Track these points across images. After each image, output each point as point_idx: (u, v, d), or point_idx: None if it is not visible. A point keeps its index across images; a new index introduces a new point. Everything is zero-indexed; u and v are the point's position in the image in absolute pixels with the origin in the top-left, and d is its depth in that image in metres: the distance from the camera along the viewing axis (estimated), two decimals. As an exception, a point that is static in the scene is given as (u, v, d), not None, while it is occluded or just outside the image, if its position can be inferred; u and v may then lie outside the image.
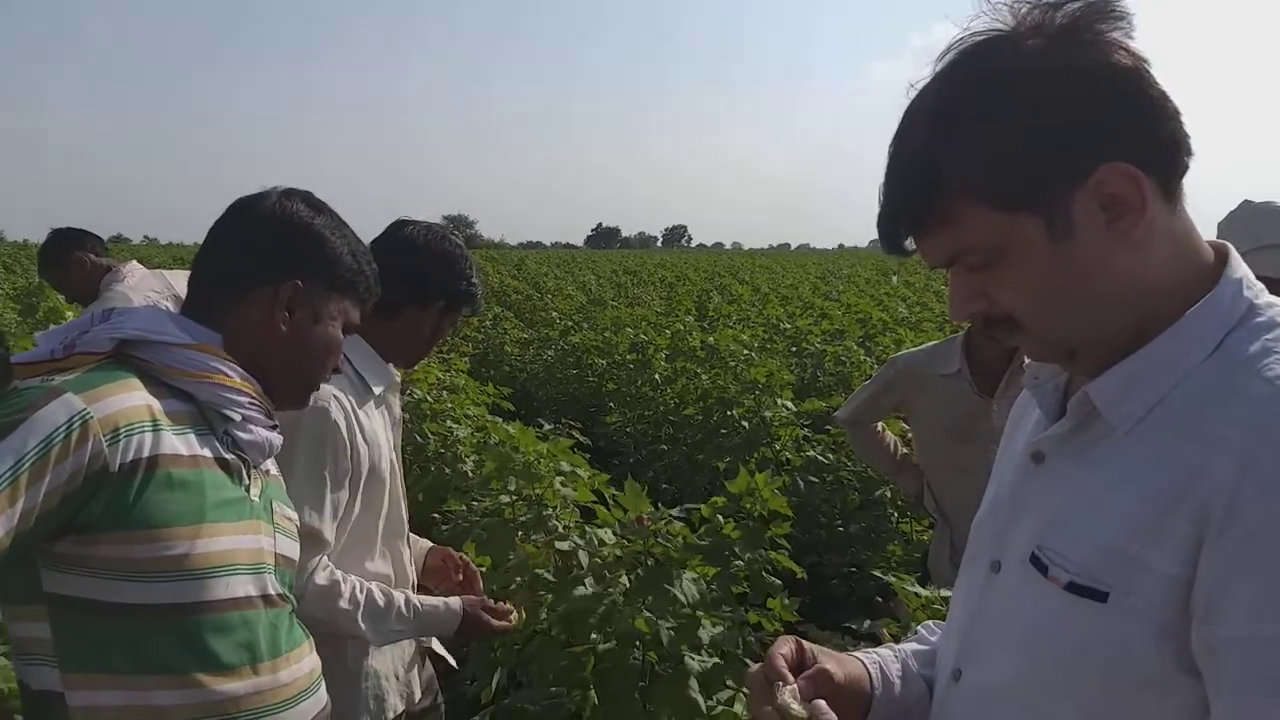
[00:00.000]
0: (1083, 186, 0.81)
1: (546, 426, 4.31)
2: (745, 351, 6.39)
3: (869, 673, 1.03)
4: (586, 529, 2.62)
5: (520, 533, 2.67)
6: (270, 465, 1.30)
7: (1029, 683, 0.86)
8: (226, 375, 1.19)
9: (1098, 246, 0.82)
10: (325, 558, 1.69)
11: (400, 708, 1.88)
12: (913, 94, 0.87)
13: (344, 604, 1.68)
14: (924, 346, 2.81)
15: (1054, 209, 0.81)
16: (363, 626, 1.71)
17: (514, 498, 2.83)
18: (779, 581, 2.44)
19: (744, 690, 2.23)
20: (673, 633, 2.12)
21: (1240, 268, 0.86)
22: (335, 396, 1.71)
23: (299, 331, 1.28)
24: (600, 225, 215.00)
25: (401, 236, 1.88)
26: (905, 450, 2.94)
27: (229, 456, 1.19)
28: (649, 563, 2.34)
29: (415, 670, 1.96)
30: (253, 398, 1.22)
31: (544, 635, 2.42)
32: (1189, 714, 0.77)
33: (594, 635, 2.28)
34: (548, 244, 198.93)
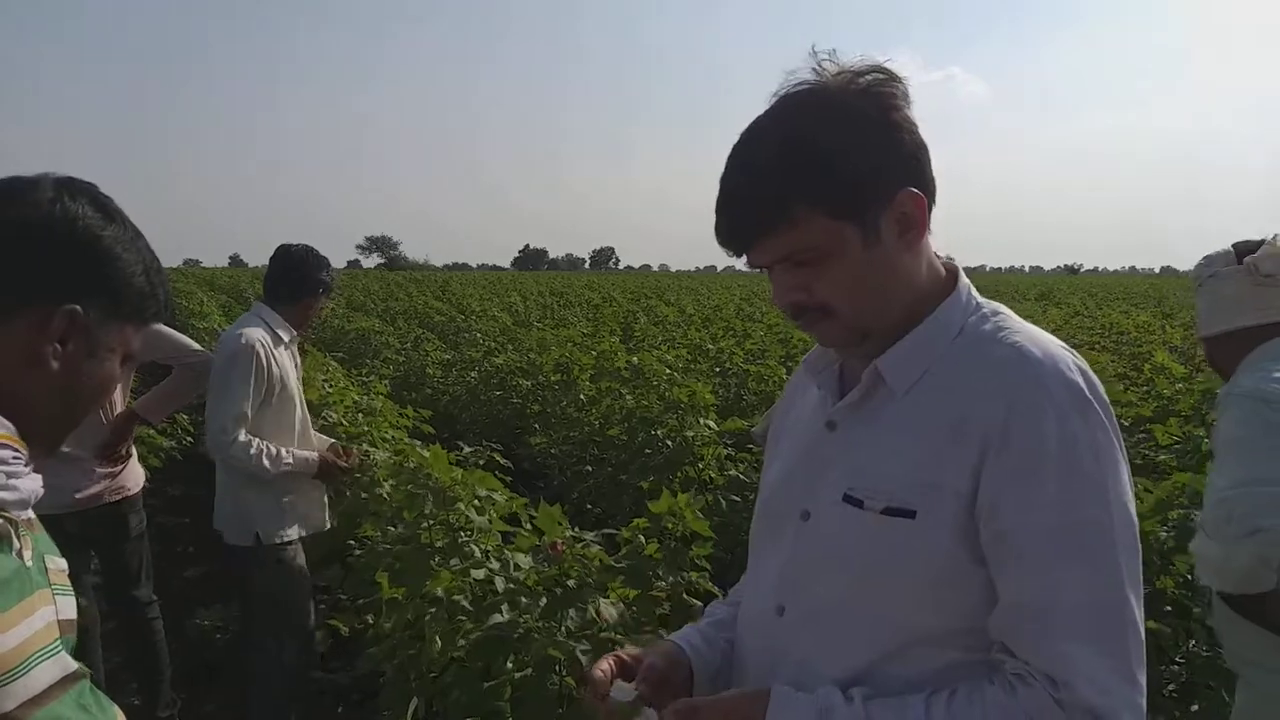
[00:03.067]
0: (887, 205, 1.07)
1: (467, 449, 4.23)
2: (669, 372, 6.40)
3: (681, 646, 1.28)
4: (505, 552, 2.57)
5: (436, 559, 2.61)
6: (29, 512, 1.05)
7: (854, 596, 1.10)
8: None
9: (893, 252, 1.09)
10: (245, 429, 3.10)
11: (303, 531, 3.32)
12: (754, 122, 1.10)
13: (253, 451, 3.09)
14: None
15: (868, 220, 1.07)
16: (266, 464, 3.11)
17: (430, 523, 2.76)
18: (700, 604, 2.43)
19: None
20: (589, 655, 2.08)
21: (965, 278, 1.17)
22: (259, 338, 3.15)
23: (70, 368, 1.03)
24: (528, 247, 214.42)
25: (291, 255, 3.31)
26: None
27: None
28: (568, 584, 2.30)
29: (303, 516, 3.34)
30: (17, 450, 0.98)
31: (459, 664, 2.36)
32: (981, 595, 1.04)
33: (509, 663, 2.23)
34: (474, 265, 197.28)
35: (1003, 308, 1.16)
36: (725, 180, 1.10)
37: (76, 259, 1.02)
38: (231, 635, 4.30)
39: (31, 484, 1.00)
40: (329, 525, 3.48)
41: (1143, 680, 1.02)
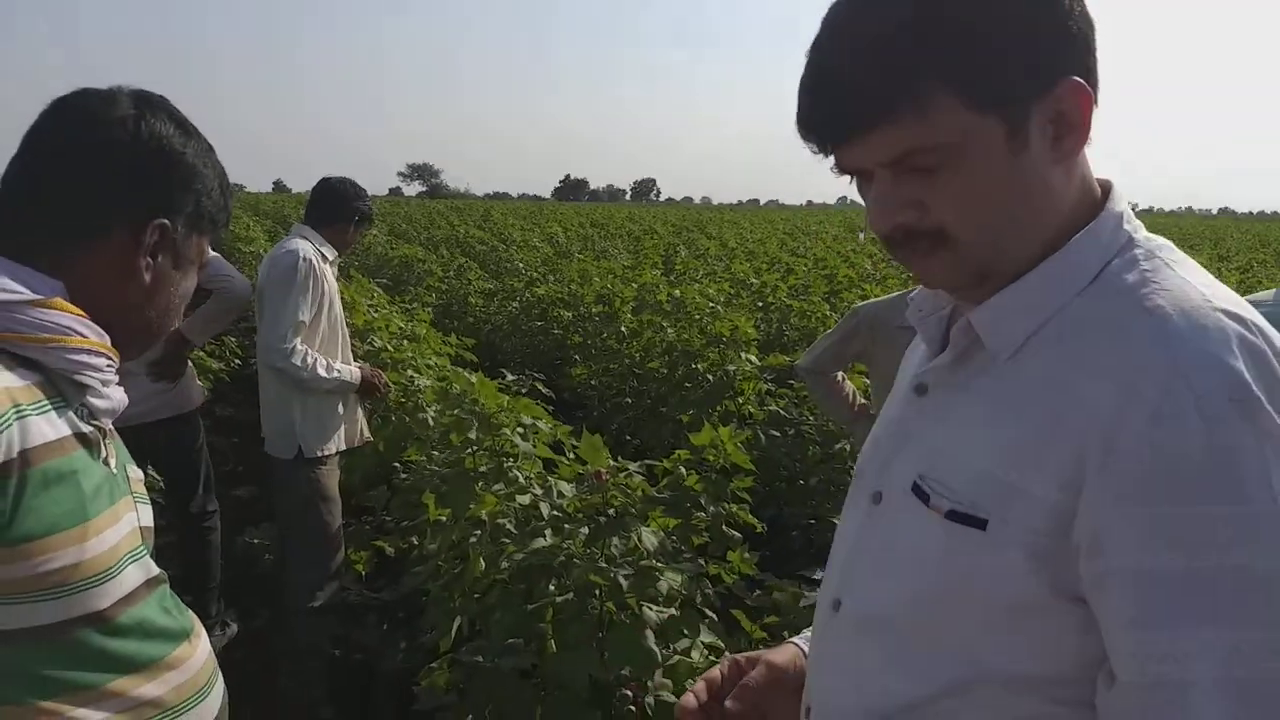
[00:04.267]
0: (1042, 98, 0.79)
1: (510, 378, 4.27)
2: (711, 305, 6.37)
3: (802, 650, 1.09)
4: (548, 479, 2.61)
5: (480, 483, 2.65)
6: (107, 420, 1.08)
7: (908, 609, 0.86)
8: (81, 335, 0.98)
9: (1041, 162, 0.81)
10: (301, 338, 3.22)
11: (343, 445, 3.46)
12: None
13: (309, 360, 3.23)
14: (887, 297, 2.81)
15: (1017, 116, 0.78)
16: (320, 373, 3.24)
17: (475, 448, 2.81)
18: (739, 535, 2.45)
19: (701, 640, 2.24)
20: (630, 580, 2.12)
21: (1122, 202, 0.86)
22: (310, 253, 3.29)
23: (160, 280, 1.07)
24: (568, 177, 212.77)
25: (331, 185, 3.51)
26: (863, 400, 2.95)
27: (87, 429, 0.99)
28: (609, 513, 2.34)
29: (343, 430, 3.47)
30: (109, 357, 1.02)
31: (503, 586, 2.42)
32: (1074, 638, 0.78)
33: (552, 586, 2.28)
34: (514, 195, 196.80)
35: (1166, 247, 0.85)
36: (825, 48, 0.81)
37: (164, 177, 1.06)
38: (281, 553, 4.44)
39: (119, 394, 1.05)
40: (365, 438, 3.62)
41: None
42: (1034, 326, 0.82)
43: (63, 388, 0.98)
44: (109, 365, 1.02)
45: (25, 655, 0.92)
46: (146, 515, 1.09)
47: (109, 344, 1.02)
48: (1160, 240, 0.85)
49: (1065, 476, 0.75)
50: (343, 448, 3.45)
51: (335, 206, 3.48)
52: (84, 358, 0.98)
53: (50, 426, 0.93)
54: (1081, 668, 0.78)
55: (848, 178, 0.86)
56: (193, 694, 1.05)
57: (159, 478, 3.70)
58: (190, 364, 3.62)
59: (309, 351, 3.24)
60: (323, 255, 3.39)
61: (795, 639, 1.12)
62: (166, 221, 1.06)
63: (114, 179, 1.03)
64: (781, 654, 1.08)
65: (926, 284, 0.92)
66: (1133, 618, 0.72)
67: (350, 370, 3.40)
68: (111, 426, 1.07)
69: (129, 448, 1.13)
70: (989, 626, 0.81)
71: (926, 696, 0.85)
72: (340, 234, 3.50)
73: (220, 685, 1.12)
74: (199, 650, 1.08)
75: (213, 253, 3.60)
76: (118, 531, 0.99)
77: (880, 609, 0.90)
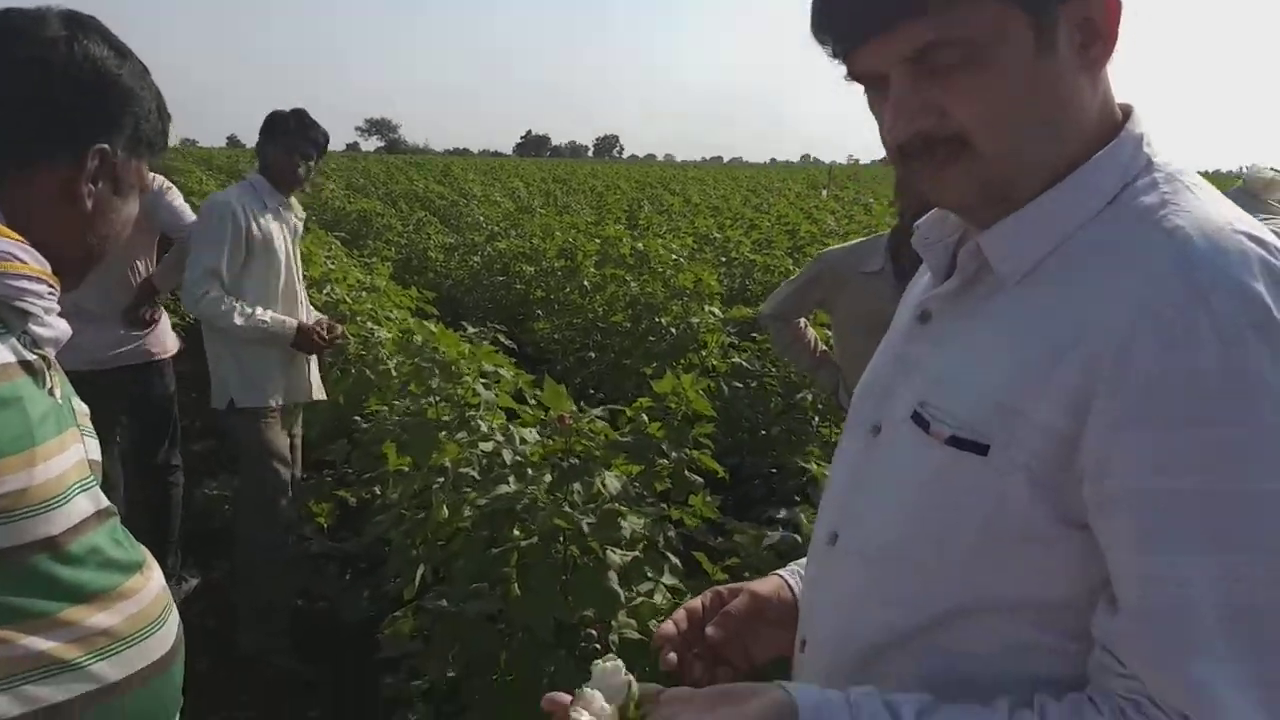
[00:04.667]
0: (1072, 1, 0.77)
1: (471, 330, 4.24)
2: (675, 258, 6.36)
3: (787, 582, 1.08)
4: (510, 428, 2.60)
5: (443, 433, 2.64)
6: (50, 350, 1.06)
7: (908, 538, 0.85)
8: (21, 261, 0.95)
9: (1069, 68, 0.78)
10: (218, 286, 3.14)
11: (282, 399, 3.32)
12: None
13: (223, 307, 3.12)
14: (850, 243, 2.82)
15: (1047, 17, 0.76)
16: (237, 320, 3.13)
17: (436, 398, 2.79)
18: (701, 480, 2.47)
19: (663, 582, 2.26)
20: (593, 526, 2.13)
21: (1143, 124, 0.84)
22: (236, 197, 3.25)
23: (102, 206, 1.05)
24: (530, 133, 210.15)
25: (281, 113, 3.33)
26: (825, 348, 2.97)
27: (31, 358, 0.97)
28: (573, 460, 2.34)
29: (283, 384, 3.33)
30: (50, 285, 0.99)
31: (465, 533, 2.42)
32: (1075, 565, 0.77)
33: (516, 531, 2.28)
34: (475, 151, 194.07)
35: (1187, 171, 0.82)
36: None
37: (102, 100, 1.03)
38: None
39: (63, 324, 1.03)
40: (314, 397, 3.47)
41: None
42: (1046, 250, 0.80)
43: (4, 315, 0.96)
44: (50, 293, 1.00)
45: None
46: (94, 449, 1.07)
47: (49, 271, 1.00)
48: (1181, 167, 0.83)
49: (1074, 400, 0.74)
50: (282, 402, 3.32)
51: (261, 141, 3.36)
52: (24, 284, 0.95)
53: None
54: (1081, 594, 0.78)
55: (863, 81, 0.84)
56: (146, 624, 1.03)
57: (124, 424, 3.66)
58: (164, 312, 3.64)
59: (224, 297, 3.15)
60: (263, 203, 3.28)
61: (781, 571, 1.10)
62: (106, 146, 1.03)
63: (49, 103, 1.00)
64: (765, 584, 1.08)
65: (939, 200, 0.87)
66: (1137, 540, 0.72)
67: (281, 320, 3.25)
68: (55, 359, 1.05)
69: (99, 392, 1.10)
70: (988, 553, 0.80)
71: (922, 625, 0.84)
72: (279, 171, 3.31)
73: (175, 618, 1.10)
74: (152, 581, 1.06)
75: (180, 201, 3.56)
76: (65, 460, 0.97)
77: (879, 539, 0.89)
